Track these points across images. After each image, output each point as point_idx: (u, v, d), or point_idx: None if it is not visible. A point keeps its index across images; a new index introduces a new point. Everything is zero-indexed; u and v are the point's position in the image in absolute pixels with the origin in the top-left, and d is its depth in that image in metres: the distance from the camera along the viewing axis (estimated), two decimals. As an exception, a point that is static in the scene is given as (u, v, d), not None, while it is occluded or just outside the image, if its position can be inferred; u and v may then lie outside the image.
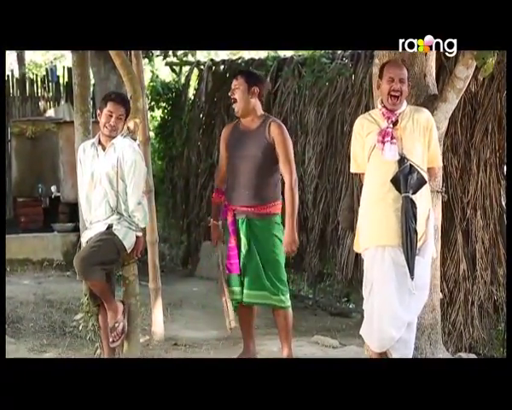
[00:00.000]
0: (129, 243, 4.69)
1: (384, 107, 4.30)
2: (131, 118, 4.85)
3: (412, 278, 4.16)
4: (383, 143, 4.24)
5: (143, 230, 4.95)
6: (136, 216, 4.67)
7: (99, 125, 4.72)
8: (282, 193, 4.88)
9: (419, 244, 4.22)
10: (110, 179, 4.62)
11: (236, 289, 4.86)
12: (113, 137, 4.65)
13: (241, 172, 4.82)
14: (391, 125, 4.26)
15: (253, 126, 4.84)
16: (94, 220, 4.72)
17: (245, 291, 4.81)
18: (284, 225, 4.80)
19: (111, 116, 4.61)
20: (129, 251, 4.72)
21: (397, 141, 4.23)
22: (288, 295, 4.87)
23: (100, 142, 4.70)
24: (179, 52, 10.04)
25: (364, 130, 4.35)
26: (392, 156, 4.22)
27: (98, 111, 4.70)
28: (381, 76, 4.34)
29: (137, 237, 4.74)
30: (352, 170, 4.55)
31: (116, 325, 4.68)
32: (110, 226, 4.62)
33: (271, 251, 4.81)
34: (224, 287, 4.88)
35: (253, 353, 5.05)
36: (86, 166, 4.73)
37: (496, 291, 6.29)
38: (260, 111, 4.88)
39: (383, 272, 4.20)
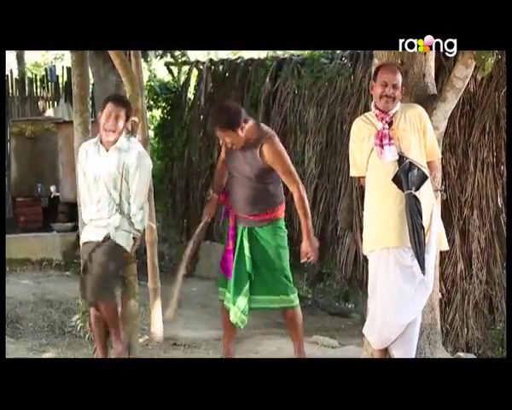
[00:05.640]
0: (130, 246, 4.69)
1: (377, 108, 4.31)
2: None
3: (424, 273, 4.17)
4: (381, 146, 4.24)
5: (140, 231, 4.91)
6: (137, 219, 4.65)
7: (98, 126, 4.71)
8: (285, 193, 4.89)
9: (426, 240, 4.21)
10: (114, 179, 4.58)
11: (222, 290, 4.91)
12: (115, 140, 4.60)
13: (239, 185, 4.76)
14: (386, 127, 4.27)
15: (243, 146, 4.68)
16: (95, 218, 4.64)
17: (252, 297, 4.77)
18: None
19: (109, 117, 4.58)
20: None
21: (394, 141, 4.24)
22: (296, 294, 4.88)
23: (102, 142, 4.66)
24: (176, 52, 10.04)
25: (361, 132, 4.36)
26: (392, 157, 4.23)
27: (99, 113, 4.68)
28: (375, 79, 4.34)
29: (134, 238, 4.71)
30: (352, 174, 4.55)
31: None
32: (108, 238, 4.56)
33: (277, 256, 4.80)
34: (180, 274, 4.89)
35: (233, 353, 5.01)
36: (88, 166, 4.68)
37: (491, 291, 6.30)
38: (251, 131, 4.67)
39: (387, 273, 4.21)
